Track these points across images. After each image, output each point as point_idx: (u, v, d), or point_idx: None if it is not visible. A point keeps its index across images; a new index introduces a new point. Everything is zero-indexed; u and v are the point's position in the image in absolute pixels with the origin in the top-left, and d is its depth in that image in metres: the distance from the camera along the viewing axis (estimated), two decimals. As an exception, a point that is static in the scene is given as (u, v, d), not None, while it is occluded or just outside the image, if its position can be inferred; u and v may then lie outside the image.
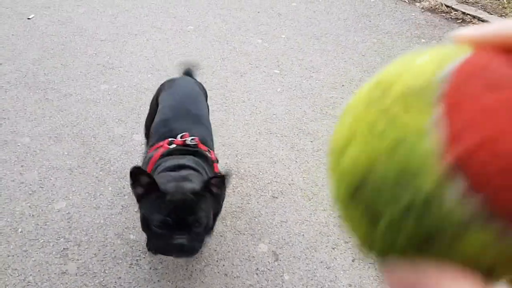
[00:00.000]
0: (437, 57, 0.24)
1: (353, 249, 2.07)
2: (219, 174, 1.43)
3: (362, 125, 0.24)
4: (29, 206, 2.17)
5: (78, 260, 1.94)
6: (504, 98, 0.21)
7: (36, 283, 1.83)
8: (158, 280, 1.88)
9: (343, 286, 1.87)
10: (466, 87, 0.22)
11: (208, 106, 2.03)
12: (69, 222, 2.11)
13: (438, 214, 0.21)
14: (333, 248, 2.07)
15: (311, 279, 1.87)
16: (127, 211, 2.23)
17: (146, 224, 1.44)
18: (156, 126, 1.77)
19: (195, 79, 2.11)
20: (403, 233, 0.22)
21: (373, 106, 0.24)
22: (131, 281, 1.86)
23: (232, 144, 2.67)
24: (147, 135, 2.02)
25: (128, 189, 2.31)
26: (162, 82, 2.10)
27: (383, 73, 0.25)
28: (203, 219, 1.37)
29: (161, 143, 1.63)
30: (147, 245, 1.91)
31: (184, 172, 1.49)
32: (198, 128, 1.70)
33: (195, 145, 1.60)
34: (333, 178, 0.26)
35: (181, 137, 1.60)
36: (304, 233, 2.14)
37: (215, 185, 1.40)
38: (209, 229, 1.47)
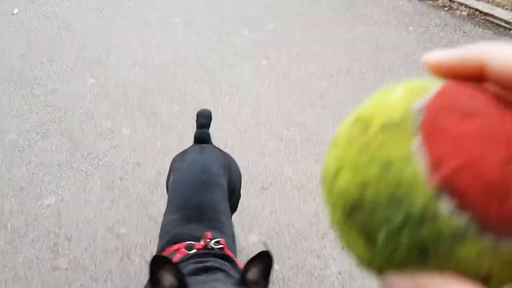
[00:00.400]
0: (411, 90, 0.26)
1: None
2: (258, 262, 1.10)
3: (347, 158, 0.25)
4: (18, 203, 2.16)
5: (68, 255, 1.95)
6: (475, 125, 0.23)
7: (27, 279, 1.83)
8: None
9: (333, 274, 1.90)
10: (440, 118, 0.23)
11: (234, 184, 1.64)
12: (58, 217, 2.11)
13: (432, 229, 0.22)
14: (323, 237, 2.09)
15: (301, 268, 1.90)
16: (117, 205, 2.23)
17: None
18: (164, 225, 1.47)
19: (212, 147, 1.68)
20: (400, 249, 0.23)
21: (355, 141, 0.25)
22: (122, 274, 1.87)
23: (220, 136, 2.67)
24: None
25: (118, 183, 2.32)
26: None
27: (361, 109, 0.27)
28: None
29: (175, 247, 1.29)
30: None
31: (212, 276, 1.17)
32: (214, 232, 1.32)
33: (221, 249, 1.25)
34: (328, 203, 0.27)
35: (203, 240, 1.26)
36: (293, 223, 2.16)
37: (255, 283, 1.11)
38: None
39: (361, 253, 0.26)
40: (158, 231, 2.09)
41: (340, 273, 1.91)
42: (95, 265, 1.90)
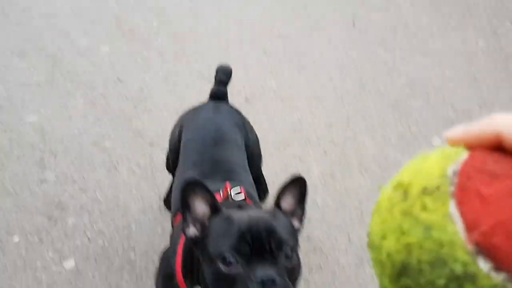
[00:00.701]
0: (444, 156, 0.29)
1: (325, 144, 2.14)
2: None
3: (392, 222, 0.28)
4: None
5: (55, 169, 1.97)
6: (504, 186, 0.25)
7: (16, 193, 1.86)
8: (137, 183, 1.92)
9: (315, 175, 1.96)
10: (472, 181, 0.26)
11: (253, 147, 1.57)
12: (42, 134, 2.11)
13: (473, 286, 0.25)
14: (306, 143, 2.14)
15: (284, 172, 1.95)
16: (100, 121, 2.22)
17: (206, 274, 0.93)
18: (180, 182, 1.34)
19: (228, 105, 1.57)
20: None
21: (397, 206, 0.28)
22: (110, 184, 1.91)
23: (202, 52, 2.62)
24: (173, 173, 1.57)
25: (100, 99, 2.30)
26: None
27: (400, 176, 0.30)
28: (290, 242, 0.92)
29: None
30: None
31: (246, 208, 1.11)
32: (233, 183, 1.23)
33: (243, 200, 1.16)
34: (376, 268, 0.30)
35: (222, 191, 1.17)
36: (277, 131, 2.19)
37: (290, 212, 1.02)
38: (298, 267, 1.00)
39: None
40: (144, 144, 2.12)
41: (322, 175, 1.97)
42: (83, 177, 1.93)
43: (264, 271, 0.84)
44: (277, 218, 0.95)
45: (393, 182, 0.30)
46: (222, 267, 0.86)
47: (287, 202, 1.01)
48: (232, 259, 0.86)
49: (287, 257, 0.89)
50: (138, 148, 2.08)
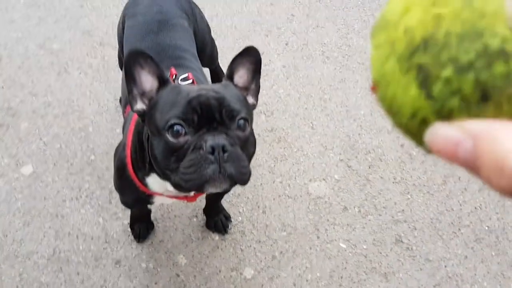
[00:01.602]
0: None
1: (286, 35, 2.05)
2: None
3: None
4: None
5: (1, 74, 1.84)
6: None
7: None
8: (90, 84, 1.83)
9: (278, 67, 1.90)
10: None
11: (203, 34, 1.44)
12: (-19, 39, 1.95)
13: (504, 68, 0.22)
14: (266, 35, 2.04)
15: (246, 65, 1.88)
16: (45, 22, 2.06)
17: (155, 148, 0.85)
18: (122, 79, 1.24)
19: None
20: (458, 93, 0.23)
21: None
22: (62, 87, 1.80)
23: None
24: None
25: (42, -2, 2.11)
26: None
27: None
28: (243, 113, 0.84)
29: None
30: (132, 224, 1.38)
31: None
32: (179, 69, 1.11)
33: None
34: (384, 48, 0.26)
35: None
36: (236, 25, 2.08)
37: (244, 87, 0.94)
38: (253, 140, 0.93)
39: (410, 103, 0.25)
40: (94, 44, 1.99)
41: (284, 67, 1.91)
42: (32, 81, 1.82)
43: (214, 139, 0.79)
44: (229, 89, 0.88)
45: None
46: (170, 138, 0.80)
47: (241, 76, 0.93)
48: (179, 128, 0.80)
49: (239, 127, 0.83)
50: (88, 48, 1.96)
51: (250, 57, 0.92)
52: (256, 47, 0.91)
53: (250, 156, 0.89)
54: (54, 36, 2.00)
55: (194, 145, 0.80)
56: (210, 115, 0.80)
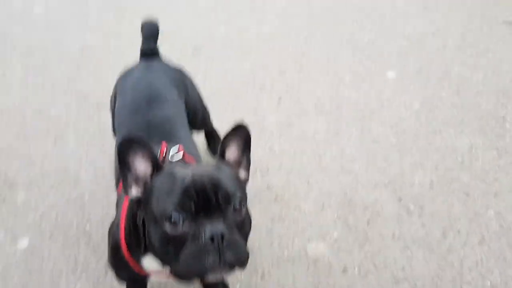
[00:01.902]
0: None
1: (279, 90, 2.08)
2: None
3: None
4: None
5: (-1, 143, 1.87)
6: None
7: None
8: (86, 150, 1.84)
9: (271, 123, 1.91)
10: None
11: (195, 104, 1.47)
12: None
13: None
14: (260, 91, 2.07)
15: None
16: (43, 88, 2.10)
17: (152, 235, 0.86)
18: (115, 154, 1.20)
19: (161, 61, 1.47)
20: None
21: None
22: (58, 154, 1.82)
23: (144, 7, 2.47)
24: None
25: (41, 63, 2.16)
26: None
27: None
28: (238, 194, 0.85)
29: None
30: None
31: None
32: (170, 143, 1.13)
33: (182, 159, 1.07)
34: None
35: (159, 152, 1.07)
36: (228, 82, 2.12)
37: (237, 162, 0.96)
38: (249, 220, 0.93)
39: None
40: (89, 107, 2.02)
41: (278, 122, 1.92)
42: (29, 149, 1.84)
43: (212, 227, 0.79)
44: (222, 170, 0.89)
45: None
46: (168, 227, 0.80)
47: (232, 153, 0.94)
48: (177, 218, 0.80)
49: (235, 210, 0.84)
50: (84, 112, 1.99)
51: (240, 134, 0.94)
52: (245, 125, 0.93)
53: (246, 235, 0.90)
54: (52, 101, 2.04)
55: (192, 234, 0.80)
56: (206, 201, 0.81)
